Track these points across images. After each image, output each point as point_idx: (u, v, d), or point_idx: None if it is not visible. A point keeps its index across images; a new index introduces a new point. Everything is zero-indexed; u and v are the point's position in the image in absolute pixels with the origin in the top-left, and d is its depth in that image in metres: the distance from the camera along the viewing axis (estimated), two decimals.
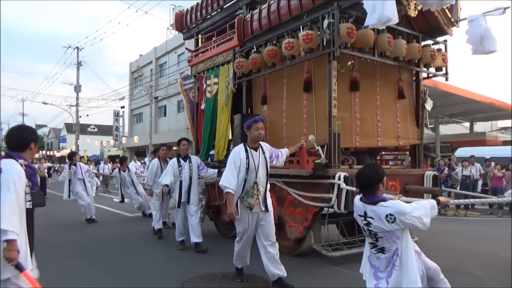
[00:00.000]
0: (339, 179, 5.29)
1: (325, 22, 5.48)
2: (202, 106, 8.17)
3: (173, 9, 36.94)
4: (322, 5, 5.64)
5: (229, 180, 4.44)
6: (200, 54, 8.55)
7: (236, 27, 7.07)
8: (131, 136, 37.14)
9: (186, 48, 8.79)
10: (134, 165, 15.60)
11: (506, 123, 34.10)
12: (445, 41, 6.57)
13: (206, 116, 8.02)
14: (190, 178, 6.64)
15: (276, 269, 4.60)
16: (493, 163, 13.18)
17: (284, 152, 5.10)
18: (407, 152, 6.75)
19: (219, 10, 7.95)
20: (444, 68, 6.54)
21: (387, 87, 6.36)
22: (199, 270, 5.47)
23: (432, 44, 6.49)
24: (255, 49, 6.76)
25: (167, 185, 6.61)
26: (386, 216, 2.91)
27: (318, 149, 5.55)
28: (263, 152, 4.72)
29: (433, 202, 3.06)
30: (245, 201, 4.54)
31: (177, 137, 30.36)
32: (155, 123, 33.82)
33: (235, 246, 4.81)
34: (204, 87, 8.17)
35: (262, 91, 6.95)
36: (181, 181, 6.57)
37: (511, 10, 5.58)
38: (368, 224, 3.04)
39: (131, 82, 38.81)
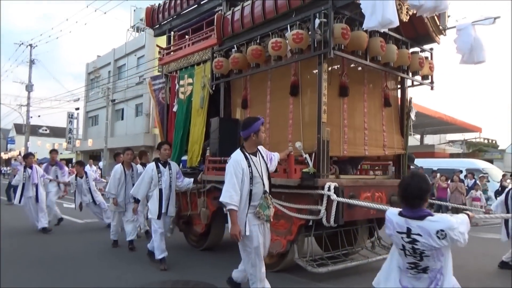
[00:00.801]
0: (329, 189, 4.93)
1: (316, 22, 5.14)
2: (174, 108, 7.60)
3: (134, 10, 36.02)
4: (313, 3, 5.30)
5: (231, 195, 3.88)
6: (172, 53, 8.00)
7: (215, 24, 6.60)
8: (85, 139, 35.55)
9: (157, 46, 8.22)
10: (89, 170, 14.70)
11: (453, 136, 35.84)
12: (431, 49, 6.41)
13: (178, 118, 7.46)
14: (170, 186, 6.06)
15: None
16: (438, 174, 13.78)
17: (276, 156, 4.62)
18: (391, 162, 6.51)
19: (195, 6, 7.46)
20: (430, 77, 6.37)
21: (374, 94, 6.10)
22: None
23: (420, 52, 6.31)
24: (235, 49, 6.32)
25: (138, 200, 6.11)
26: (437, 232, 2.54)
27: (306, 157, 5.17)
28: (262, 156, 4.24)
29: (466, 217, 2.74)
30: (262, 215, 4.01)
31: (135, 141, 29.43)
32: (112, 127, 32.58)
33: (250, 269, 4.08)
34: (176, 87, 7.62)
35: (243, 94, 6.50)
36: (161, 190, 5.95)
37: None
38: (414, 241, 2.64)
39: (87, 83, 37.23)
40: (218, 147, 6.28)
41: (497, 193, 13.79)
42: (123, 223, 7.43)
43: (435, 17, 5.96)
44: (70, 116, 34.31)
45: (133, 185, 7.35)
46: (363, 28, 4.76)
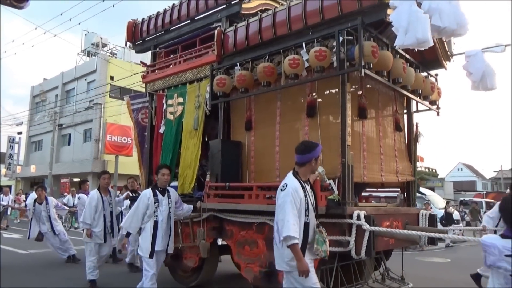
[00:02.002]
0: (358, 218, 4.50)
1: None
2: (161, 130, 6.93)
3: (85, 35, 34.95)
4: (333, 20, 4.99)
5: (295, 229, 3.37)
6: (157, 71, 7.39)
7: (216, 40, 6.12)
8: (27, 165, 33.07)
9: (141, 62, 7.58)
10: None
11: None
12: (437, 74, 6.32)
13: (166, 141, 6.79)
14: (169, 217, 5.36)
15: None
16: None
17: None
18: (399, 189, 6.23)
19: (188, 21, 6.95)
20: (436, 103, 6.25)
21: (387, 118, 5.86)
22: None
23: (426, 77, 6.19)
24: (238, 66, 5.87)
25: (129, 234, 5.42)
26: None
27: (330, 183, 4.73)
28: (310, 185, 3.75)
29: None
30: (320, 252, 3.52)
31: (82, 168, 27.82)
32: (57, 152, 30.59)
33: None
34: (164, 107, 6.98)
35: (247, 115, 6.00)
36: (156, 222, 5.23)
37: None
38: None
39: (31, 106, 35.04)
40: (220, 172, 5.69)
41: (442, 220, 14.34)
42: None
43: (445, 42, 5.89)
44: (11, 141, 31.78)
45: (111, 213, 6.57)
46: (395, 46, 4.48)
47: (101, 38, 35.45)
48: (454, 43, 6.11)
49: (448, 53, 5.95)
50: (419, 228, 5.50)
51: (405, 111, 6.36)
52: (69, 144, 31.64)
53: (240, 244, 5.54)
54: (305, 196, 3.53)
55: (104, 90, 28.45)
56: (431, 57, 6.00)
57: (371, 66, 4.66)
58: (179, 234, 6.16)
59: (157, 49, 7.56)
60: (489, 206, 24.47)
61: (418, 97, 5.88)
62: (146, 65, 7.55)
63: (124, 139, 28.70)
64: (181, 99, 6.77)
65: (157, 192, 5.37)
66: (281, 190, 3.55)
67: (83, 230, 10.06)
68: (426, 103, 6.07)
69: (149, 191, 5.39)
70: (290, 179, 3.60)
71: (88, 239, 6.37)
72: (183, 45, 7.07)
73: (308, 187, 3.65)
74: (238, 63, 5.88)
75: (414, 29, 4.35)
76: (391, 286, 5.82)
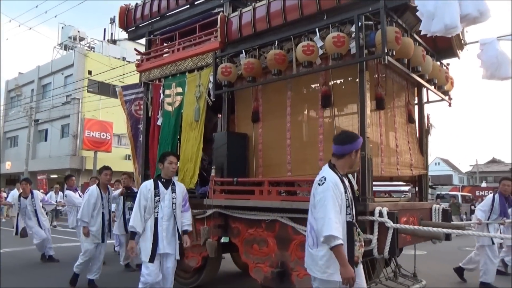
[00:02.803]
0: (380, 215, 4.23)
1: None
2: (159, 121, 6.52)
3: (62, 28, 33.97)
4: (350, 5, 4.69)
5: (337, 227, 2.95)
6: (152, 59, 6.96)
7: (219, 26, 5.75)
8: (3, 161, 31.91)
9: (136, 50, 7.12)
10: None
11: None
12: (448, 64, 6.11)
13: (164, 133, 6.39)
14: (173, 215, 4.62)
15: None
16: None
17: None
18: (410, 184, 6.00)
19: (187, 7, 6.55)
20: (449, 93, 6.04)
21: (400, 109, 5.60)
22: None
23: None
24: (244, 54, 5.52)
25: (134, 233, 4.53)
26: None
27: (349, 178, 4.44)
28: (348, 180, 3.40)
29: None
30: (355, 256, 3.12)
31: (59, 164, 27.18)
32: (33, 148, 29.60)
33: None
34: (161, 97, 6.57)
35: (253, 105, 5.66)
36: (156, 220, 4.53)
37: None
38: None
39: (6, 101, 33.83)
40: (226, 166, 5.34)
41: None
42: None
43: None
44: None
45: (109, 211, 6.14)
46: (415, 32, 4.22)
47: (78, 31, 34.50)
48: (467, 31, 5.90)
49: (462, 41, 5.72)
50: (434, 223, 5.28)
51: (415, 102, 6.13)
52: (45, 140, 30.75)
53: (247, 242, 5.21)
54: (345, 192, 3.15)
55: (81, 84, 27.70)
56: (444, 46, 5.77)
57: (393, 53, 4.38)
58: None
59: (152, 36, 7.13)
60: (465, 199, 24.53)
61: (433, 87, 5.64)
62: (141, 53, 7.10)
63: (103, 135, 28.05)
64: (180, 89, 6.38)
65: (159, 183, 4.62)
66: (319, 184, 3.14)
67: (72, 228, 9.67)
68: (440, 93, 5.84)
69: (149, 182, 4.68)
70: (328, 172, 3.20)
71: (85, 238, 5.90)
72: (181, 32, 6.65)
73: (347, 182, 3.27)
74: (243, 51, 5.53)
75: (442, 14, 4.10)
76: (404, 283, 5.60)
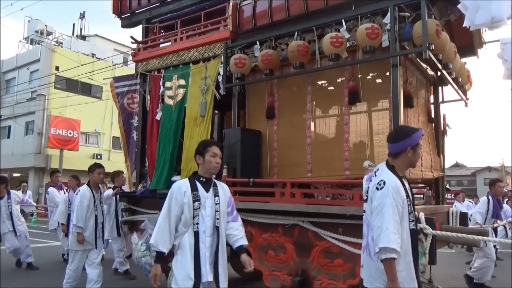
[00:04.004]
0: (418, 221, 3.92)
1: (388, 17, 4.24)
2: (158, 116, 6.00)
3: (28, 21, 32.40)
4: None
5: (396, 239, 2.56)
6: (150, 48, 6.45)
7: (231, 15, 5.33)
8: None
9: (131, 37, 6.57)
10: None
11: None
12: (465, 63, 5.92)
13: (164, 129, 5.88)
14: (217, 227, 3.24)
15: None
16: None
17: None
18: (427, 186, 5.76)
19: None
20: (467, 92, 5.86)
21: (422, 108, 5.35)
22: None
23: None
24: (258, 45, 5.12)
25: (162, 253, 3.13)
26: None
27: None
28: (407, 181, 2.99)
29: None
30: (420, 265, 2.77)
31: (23, 162, 25.80)
32: None
33: None
34: (160, 90, 6.06)
35: (268, 100, 5.25)
36: (196, 235, 3.17)
37: None
38: None
39: None
40: (240, 166, 4.91)
41: None
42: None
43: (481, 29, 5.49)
44: None
45: (103, 212, 5.55)
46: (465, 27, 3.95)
47: (46, 25, 32.96)
48: (485, 30, 5.73)
49: (482, 40, 5.55)
50: (456, 228, 5.04)
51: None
52: (8, 137, 29.14)
53: (262, 248, 4.79)
54: (407, 197, 2.76)
55: (48, 80, 26.45)
56: (464, 44, 5.58)
57: (433, 48, 4.10)
58: None
59: (150, 24, 6.61)
60: None
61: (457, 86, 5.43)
62: (137, 41, 6.56)
63: (70, 133, 26.85)
64: (182, 81, 5.90)
65: (198, 184, 3.26)
66: (377, 188, 2.72)
67: (53, 230, 8.90)
68: (461, 93, 5.64)
69: (184, 183, 3.28)
70: (387, 175, 2.78)
71: (77, 246, 5.24)
72: (184, 20, 6.18)
73: (407, 184, 2.87)
74: (257, 42, 5.13)
75: (488, 5, 3.85)
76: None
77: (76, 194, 5.36)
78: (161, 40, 6.41)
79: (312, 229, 4.42)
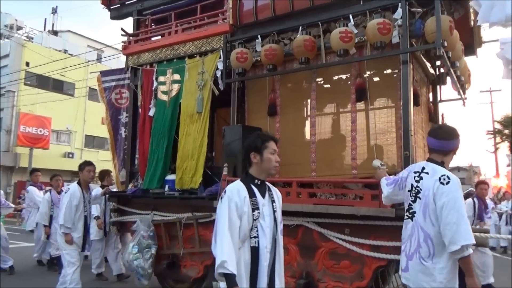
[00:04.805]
0: None
1: (398, 12, 4.16)
2: (151, 112, 5.73)
3: None
4: None
5: (471, 233, 2.57)
6: (141, 41, 6.17)
7: (231, 7, 5.14)
8: None
9: (122, 30, 6.25)
10: None
11: None
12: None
13: (157, 125, 5.62)
14: (276, 239, 2.66)
15: None
16: None
17: None
18: None
19: None
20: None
21: (424, 106, 5.29)
22: None
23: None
24: (259, 39, 4.95)
25: (231, 276, 2.39)
26: None
27: None
28: None
29: None
30: None
31: None
32: None
33: None
34: (154, 85, 5.79)
35: (270, 97, 5.07)
36: (255, 251, 2.54)
37: None
38: None
39: None
40: (242, 164, 4.70)
41: None
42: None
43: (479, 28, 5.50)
44: None
45: (90, 214, 5.24)
46: (478, 24, 3.91)
47: (16, 20, 31.73)
48: (484, 29, 5.75)
49: (482, 39, 5.56)
50: None
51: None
52: None
53: None
54: None
55: (18, 76, 25.46)
56: (464, 43, 5.52)
57: (446, 45, 4.03)
58: (181, 237, 5.10)
59: (141, 16, 6.33)
60: None
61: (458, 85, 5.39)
62: (128, 34, 6.25)
63: (40, 131, 25.95)
64: (177, 76, 5.65)
65: (254, 189, 2.64)
66: (443, 184, 2.65)
67: (31, 231, 8.41)
68: (462, 92, 5.61)
69: (240, 186, 2.61)
70: (445, 170, 2.74)
71: (67, 246, 4.91)
72: (178, 12, 5.94)
73: None
74: (259, 36, 4.95)
75: (502, 4, 3.81)
76: None
77: (65, 193, 5.03)
78: (153, 33, 6.14)
79: (318, 230, 4.28)
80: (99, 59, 28.46)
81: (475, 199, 6.70)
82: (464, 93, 5.67)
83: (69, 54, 27.87)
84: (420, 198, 2.77)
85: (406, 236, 2.84)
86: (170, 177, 5.38)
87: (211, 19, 5.55)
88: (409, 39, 4.19)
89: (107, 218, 6.24)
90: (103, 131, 23.54)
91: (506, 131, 23.31)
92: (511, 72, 5.18)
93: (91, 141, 28.09)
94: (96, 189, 5.85)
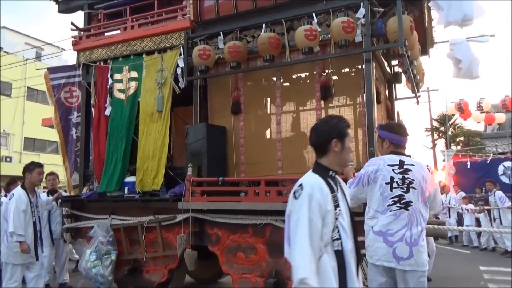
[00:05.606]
0: None
1: (361, 11, 4.24)
2: (107, 111, 5.45)
3: None
4: None
5: None
6: (93, 36, 5.85)
7: (192, 3, 5.00)
8: None
9: (72, 24, 5.87)
10: None
11: None
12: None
13: (114, 125, 5.35)
14: (355, 239, 2.22)
15: None
16: None
17: None
18: None
19: None
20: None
21: (383, 104, 5.44)
22: None
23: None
24: (221, 36, 4.86)
25: None
26: None
27: None
28: None
29: None
30: None
31: None
32: None
33: None
34: (109, 83, 5.52)
35: (233, 95, 4.97)
36: (340, 255, 2.08)
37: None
38: None
39: None
40: (206, 164, 4.59)
41: None
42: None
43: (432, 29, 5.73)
44: None
45: (39, 218, 4.88)
46: (437, 24, 4.06)
47: None
48: (435, 31, 6.00)
49: (434, 40, 5.80)
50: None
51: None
52: None
53: (230, 250, 4.52)
54: None
55: None
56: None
57: (407, 44, 4.14)
58: (143, 241, 4.89)
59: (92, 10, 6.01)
60: None
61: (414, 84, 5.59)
62: (78, 29, 5.90)
63: None
64: (134, 74, 5.42)
65: (331, 182, 2.19)
66: (430, 172, 3.11)
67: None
68: (416, 90, 5.82)
69: (321, 181, 2.13)
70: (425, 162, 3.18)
71: (16, 258, 4.51)
72: (134, 7, 5.69)
73: None
74: (221, 33, 4.86)
75: (459, 4, 3.99)
76: None
77: (10, 199, 4.64)
78: (107, 28, 5.84)
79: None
80: (38, 57, 26.93)
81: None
82: (418, 91, 5.90)
83: (5, 52, 26.14)
84: (414, 188, 2.95)
85: (401, 226, 2.93)
86: (129, 179, 5.14)
87: (170, 14, 5.37)
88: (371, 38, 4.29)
89: (52, 226, 5.83)
90: (44, 133, 22.56)
91: (442, 128, 24.79)
92: (461, 71, 5.48)
93: (31, 144, 26.50)
94: (43, 195, 5.46)
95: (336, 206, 2.12)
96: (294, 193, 2.10)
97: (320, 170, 2.20)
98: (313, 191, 2.06)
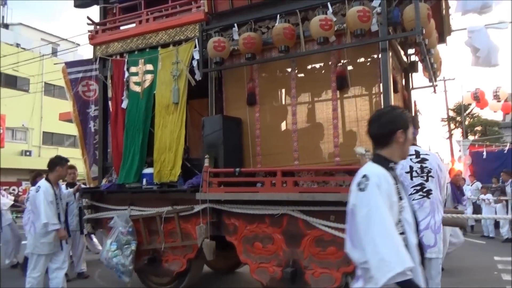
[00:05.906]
0: None
1: (376, 1, 4.20)
2: (124, 104, 5.53)
3: None
4: None
5: None
6: (109, 30, 5.92)
7: None
8: None
9: (88, 18, 5.96)
10: None
11: None
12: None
13: (131, 118, 5.43)
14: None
15: None
16: None
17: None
18: None
19: None
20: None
21: (400, 94, 5.39)
22: None
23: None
24: (236, 27, 4.87)
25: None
26: None
27: None
28: None
29: None
30: None
31: None
32: None
33: None
34: (125, 76, 5.58)
35: (248, 86, 4.99)
36: (405, 240, 1.99)
37: None
38: None
39: None
40: (223, 155, 4.64)
41: None
42: None
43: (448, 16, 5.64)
44: None
45: (64, 211, 5.00)
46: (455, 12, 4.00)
47: None
48: (452, 18, 5.91)
49: (451, 28, 5.71)
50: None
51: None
52: None
53: (248, 240, 4.57)
54: None
55: None
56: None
57: (424, 32, 4.10)
58: (162, 232, 4.97)
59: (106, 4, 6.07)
60: None
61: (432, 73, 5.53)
62: (95, 23, 5.97)
63: None
64: (150, 66, 5.48)
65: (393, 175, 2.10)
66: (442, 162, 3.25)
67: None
68: (433, 80, 5.76)
69: (384, 171, 2.04)
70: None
71: (44, 248, 4.70)
72: (148, 0, 5.74)
73: None
74: (236, 24, 4.87)
75: None
76: None
77: (37, 191, 4.76)
78: (122, 21, 5.90)
79: (303, 218, 4.28)
80: (54, 52, 27.27)
81: (449, 185, 7.02)
82: (435, 80, 5.83)
83: (22, 48, 26.54)
84: (432, 177, 3.07)
85: (425, 214, 3.03)
86: (147, 170, 5.22)
87: (184, 7, 5.40)
88: (387, 27, 4.26)
89: (69, 218, 5.97)
90: (62, 128, 22.89)
91: (458, 118, 24.44)
92: (479, 59, 5.41)
93: (50, 138, 26.96)
94: (62, 187, 5.60)
95: (400, 198, 2.03)
96: (359, 184, 1.98)
97: (380, 160, 2.10)
98: (380, 181, 1.96)
